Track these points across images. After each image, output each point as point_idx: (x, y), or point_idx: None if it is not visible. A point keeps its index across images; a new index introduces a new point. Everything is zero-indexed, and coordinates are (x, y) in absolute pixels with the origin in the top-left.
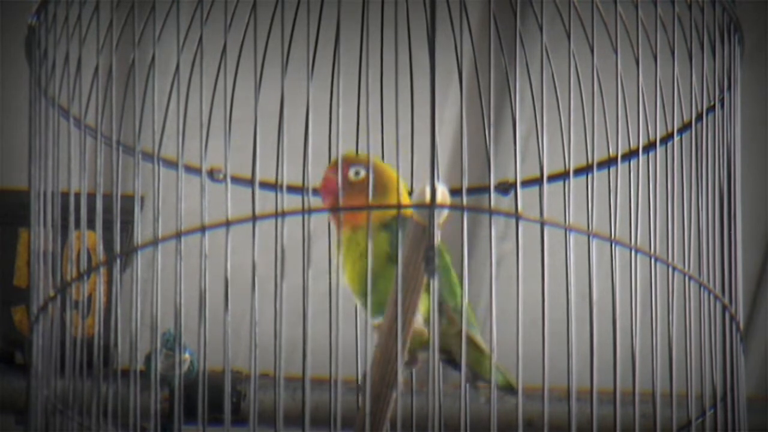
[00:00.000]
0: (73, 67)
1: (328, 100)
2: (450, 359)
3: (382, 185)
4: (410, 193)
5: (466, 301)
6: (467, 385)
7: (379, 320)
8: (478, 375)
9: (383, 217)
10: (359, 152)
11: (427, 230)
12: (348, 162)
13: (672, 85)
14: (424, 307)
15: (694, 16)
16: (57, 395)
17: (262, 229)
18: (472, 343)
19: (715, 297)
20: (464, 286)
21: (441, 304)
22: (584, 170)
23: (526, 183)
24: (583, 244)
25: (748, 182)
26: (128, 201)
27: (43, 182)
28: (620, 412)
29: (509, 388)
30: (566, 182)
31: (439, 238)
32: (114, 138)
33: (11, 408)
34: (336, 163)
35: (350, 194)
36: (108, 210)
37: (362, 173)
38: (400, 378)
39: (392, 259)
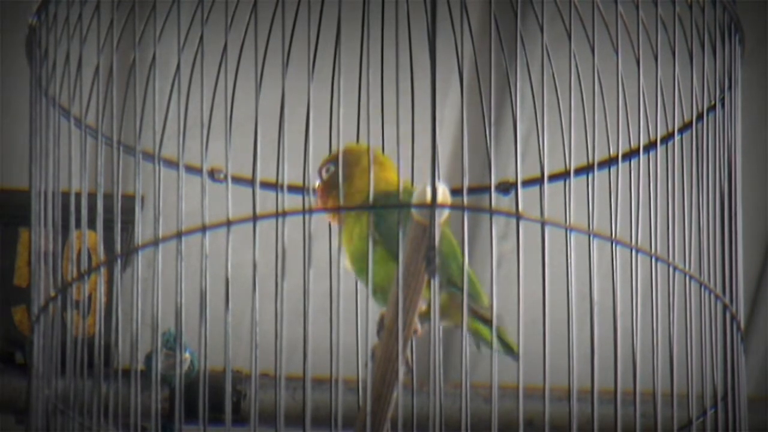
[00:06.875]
0: (74, 67)
1: (328, 100)
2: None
3: (347, 175)
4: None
5: (465, 287)
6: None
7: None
8: (481, 341)
9: (360, 200)
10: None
11: (428, 230)
12: (323, 163)
13: (672, 84)
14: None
15: (695, 16)
16: (58, 395)
17: (263, 229)
18: (474, 314)
19: (716, 296)
20: (464, 272)
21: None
22: (585, 170)
23: (526, 183)
24: (583, 244)
25: (748, 182)
26: (129, 201)
27: (44, 182)
28: (621, 412)
29: (511, 352)
30: (567, 182)
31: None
32: (114, 138)
33: (12, 408)
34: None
35: (323, 193)
36: (108, 210)
37: (332, 169)
38: (401, 377)
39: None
